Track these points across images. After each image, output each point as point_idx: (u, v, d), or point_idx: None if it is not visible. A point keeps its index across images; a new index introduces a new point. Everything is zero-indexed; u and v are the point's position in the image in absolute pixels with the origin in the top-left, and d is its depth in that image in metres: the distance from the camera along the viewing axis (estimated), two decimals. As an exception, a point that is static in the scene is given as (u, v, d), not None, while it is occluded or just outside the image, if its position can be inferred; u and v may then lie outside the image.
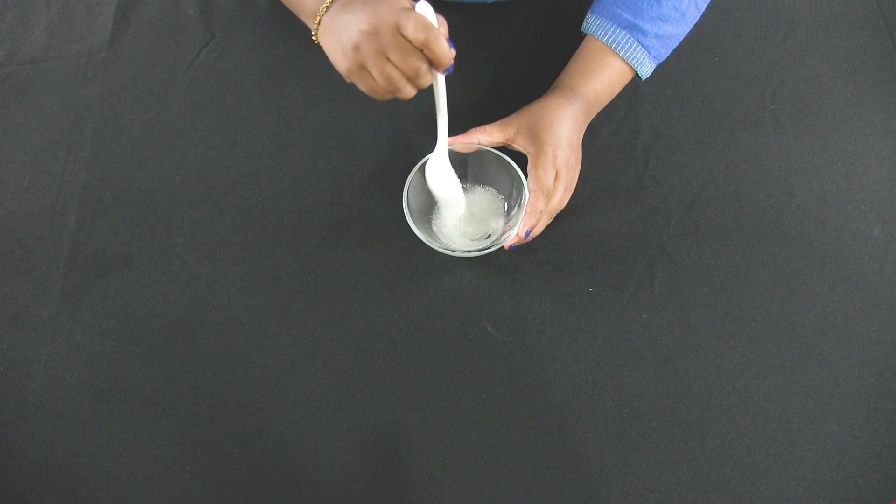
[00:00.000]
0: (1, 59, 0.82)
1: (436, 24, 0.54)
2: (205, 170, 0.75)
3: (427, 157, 0.64)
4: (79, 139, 0.77)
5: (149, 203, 0.74)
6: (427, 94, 0.59)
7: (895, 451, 0.62)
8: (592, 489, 0.61)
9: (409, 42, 0.52)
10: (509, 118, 0.68)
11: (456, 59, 0.54)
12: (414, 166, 0.64)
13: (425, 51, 0.53)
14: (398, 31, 0.52)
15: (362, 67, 0.56)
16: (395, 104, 0.76)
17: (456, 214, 0.68)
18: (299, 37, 0.79)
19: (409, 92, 0.56)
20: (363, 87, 0.57)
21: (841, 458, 0.62)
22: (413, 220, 0.63)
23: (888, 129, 0.76)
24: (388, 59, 0.54)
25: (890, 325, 0.66)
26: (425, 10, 0.54)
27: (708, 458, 0.62)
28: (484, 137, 0.66)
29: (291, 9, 0.67)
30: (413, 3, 0.55)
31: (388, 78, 0.54)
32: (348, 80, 0.58)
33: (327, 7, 0.58)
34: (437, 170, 0.64)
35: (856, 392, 0.64)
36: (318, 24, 0.59)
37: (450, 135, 0.64)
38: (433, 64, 0.54)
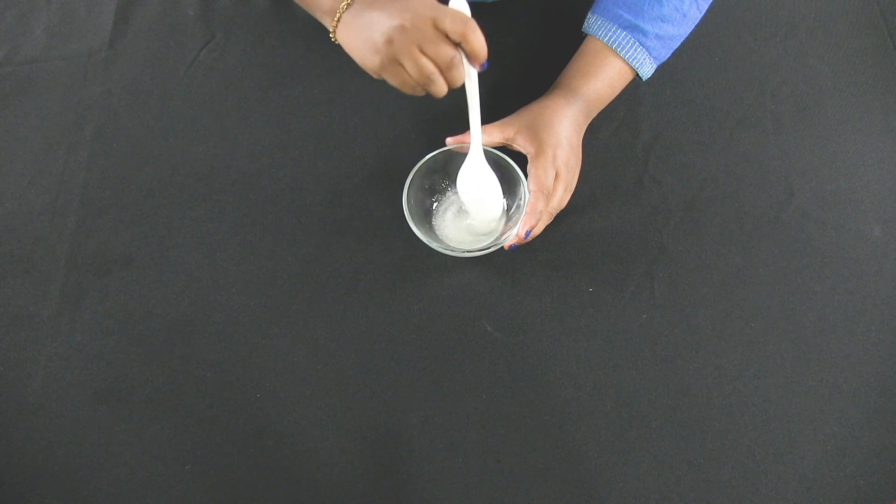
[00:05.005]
0: (1, 59, 0.82)
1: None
2: (205, 170, 0.75)
3: (427, 156, 0.64)
4: (79, 139, 0.77)
5: (149, 203, 0.74)
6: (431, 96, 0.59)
7: (895, 451, 0.62)
8: (592, 489, 0.61)
9: (445, 35, 0.53)
10: (509, 118, 0.68)
11: (489, 55, 0.54)
12: (414, 166, 0.64)
13: (463, 44, 0.53)
14: (434, 25, 0.53)
15: (395, 61, 0.56)
16: (394, 105, 0.76)
17: (492, 217, 0.67)
18: (299, 37, 0.79)
19: (441, 86, 0.56)
20: (394, 82, 0.57)
21: (841, 458, 0.62)
22: (413, 220, 0.63)
23: (888, 129, 0.76)
24: (422, 51, 0.54)
25: (890, 325, 0.66)
26: (460, 6, 0.55)
27: (708, 458, 0.62)
28: (484, 137, 0.66)
29: (304, 7, 0.66)
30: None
31: (421, 70, 0.55)
32: (377, 76, 0.58)
33: (348, 4, 0.58)
34: (473, 173, 0.64)
35: (856, 392, 0.64)
36: (338, 21, 0.59)
37: (449, 135, 0.64)
38: (469, 58, 0.54)
